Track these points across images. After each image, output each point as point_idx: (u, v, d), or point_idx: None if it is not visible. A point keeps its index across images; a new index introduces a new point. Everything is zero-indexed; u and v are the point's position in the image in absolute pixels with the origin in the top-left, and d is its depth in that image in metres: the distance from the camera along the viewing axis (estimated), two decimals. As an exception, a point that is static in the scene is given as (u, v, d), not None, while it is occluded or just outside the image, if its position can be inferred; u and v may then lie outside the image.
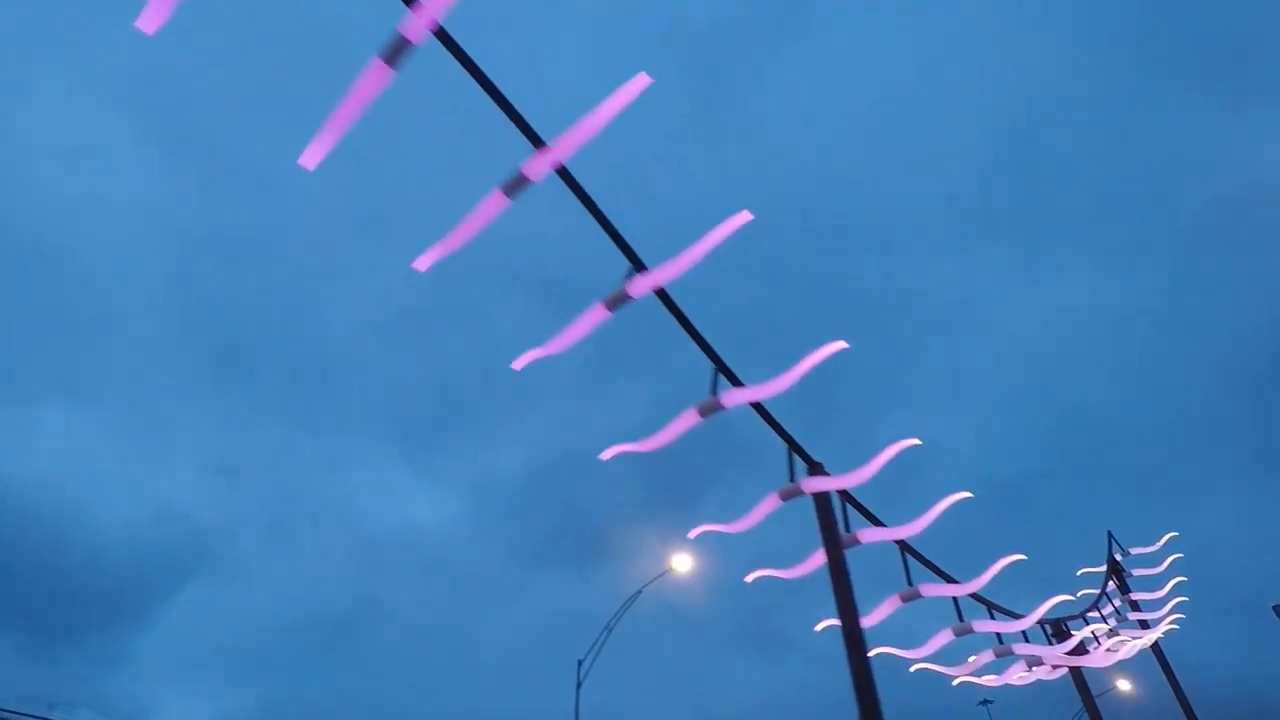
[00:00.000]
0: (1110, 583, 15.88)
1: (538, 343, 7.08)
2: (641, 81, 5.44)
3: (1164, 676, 16.38)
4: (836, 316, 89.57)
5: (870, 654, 8.94)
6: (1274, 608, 40.82)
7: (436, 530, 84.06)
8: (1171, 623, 16.36)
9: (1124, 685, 24.11)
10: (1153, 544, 17.46)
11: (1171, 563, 17.03)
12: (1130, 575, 16.75)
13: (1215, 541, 71.26)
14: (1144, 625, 15.72)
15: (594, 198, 5.84)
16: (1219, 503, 74.49)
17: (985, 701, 41.87)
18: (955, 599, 9.78)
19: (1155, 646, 16.34)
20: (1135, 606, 15.98)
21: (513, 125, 5.54)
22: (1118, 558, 16.97)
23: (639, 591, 17.47)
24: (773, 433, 8.10)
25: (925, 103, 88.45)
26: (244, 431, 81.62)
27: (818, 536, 7.89)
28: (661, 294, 6.26)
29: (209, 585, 74.12)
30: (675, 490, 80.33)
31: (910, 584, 8.81)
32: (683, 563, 15.61)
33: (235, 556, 75.92)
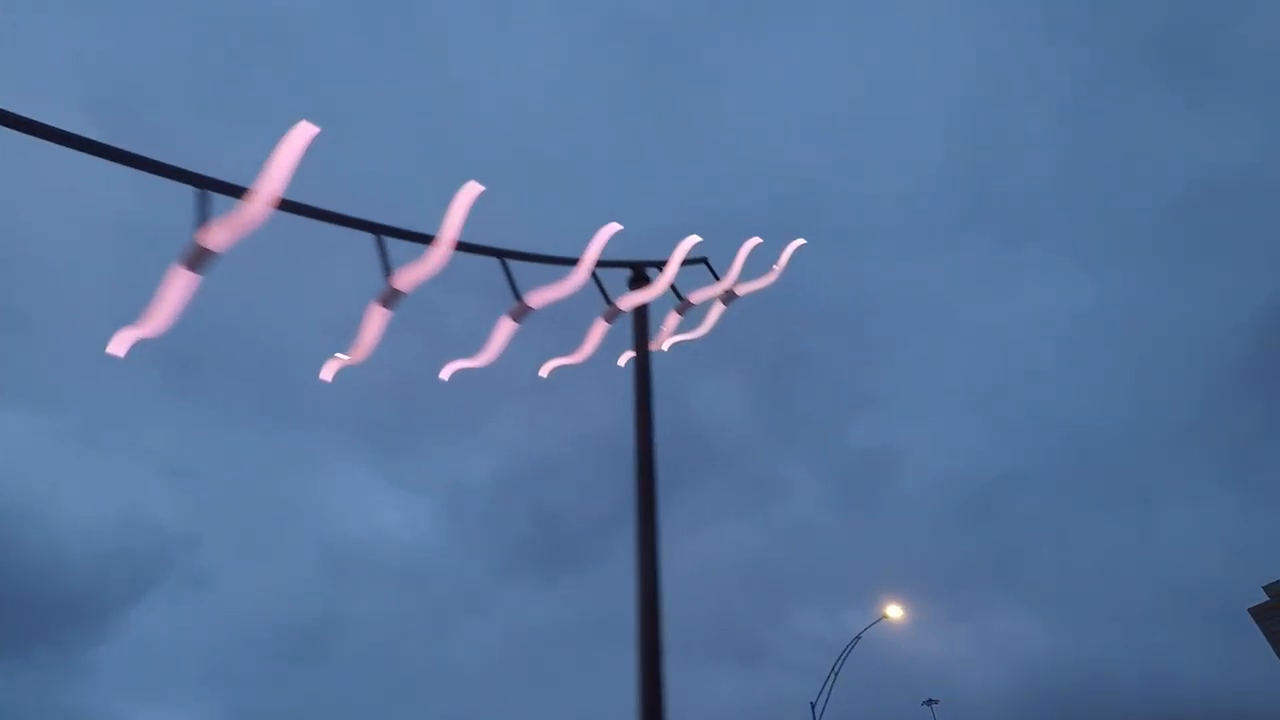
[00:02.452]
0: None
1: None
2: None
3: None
4: (803, 321, 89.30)
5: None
6: (1250, 610, 40.95)
7: (406, 539, 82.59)
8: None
9: (894, 612, 22.87)
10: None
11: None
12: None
13: (1188, 546, 71.86)
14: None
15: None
16: (1191, 507, 75.22)
17: (930, 701, 41.28)
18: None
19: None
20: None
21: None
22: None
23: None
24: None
25: (886, 102, 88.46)
26: (206, 437, 79.59)
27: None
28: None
29: (173, 594, 72.02)
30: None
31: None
32: None
33: (200, 564, 73.83)
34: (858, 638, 22.04)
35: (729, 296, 9.18)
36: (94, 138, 4.96)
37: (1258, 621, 40.01)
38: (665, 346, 9.09)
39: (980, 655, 71.53)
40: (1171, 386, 79.55)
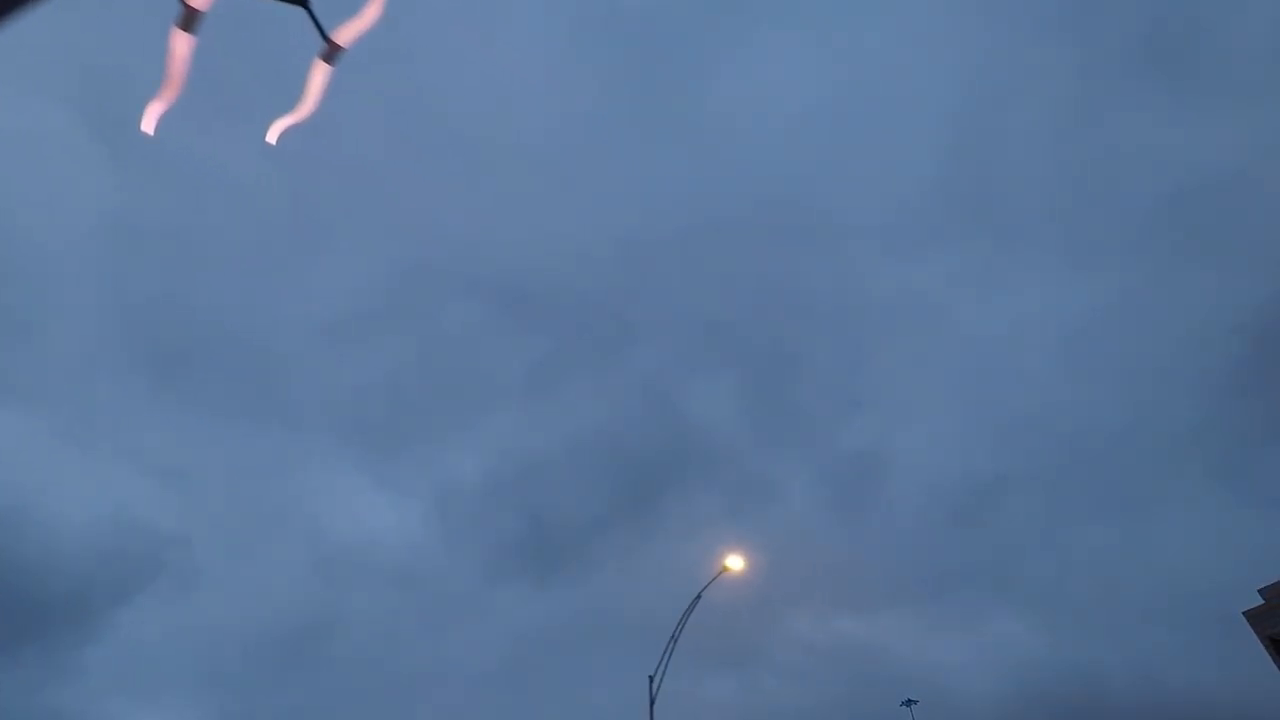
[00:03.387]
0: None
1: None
2: None
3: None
4: (793, 323, 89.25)
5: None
6: (1244, 614, 40.93)
7: (397, 540, 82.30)
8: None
9: (734, 563, 22.19)
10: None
11: None
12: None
13: (1183, 549, 72.00)
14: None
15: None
16: (1185, 509, 75.33)
17: (910, 702, 41.08)
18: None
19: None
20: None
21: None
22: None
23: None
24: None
25: (878, 102, 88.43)
26: (196, 437, 79.07)
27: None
28: None
29: (163, 595, 71.54)
30: (637, 496, 79.13)
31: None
32: None
33: (191, 565, 73.37)
34: (698, 597, 21.28)
35: (331, 51, 6.37)
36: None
37: (1252, 625, 39.97)
38: (271, 139, 6.41)
39: (973, 659, 71.57)
40: (1166, 389, 79.81)
